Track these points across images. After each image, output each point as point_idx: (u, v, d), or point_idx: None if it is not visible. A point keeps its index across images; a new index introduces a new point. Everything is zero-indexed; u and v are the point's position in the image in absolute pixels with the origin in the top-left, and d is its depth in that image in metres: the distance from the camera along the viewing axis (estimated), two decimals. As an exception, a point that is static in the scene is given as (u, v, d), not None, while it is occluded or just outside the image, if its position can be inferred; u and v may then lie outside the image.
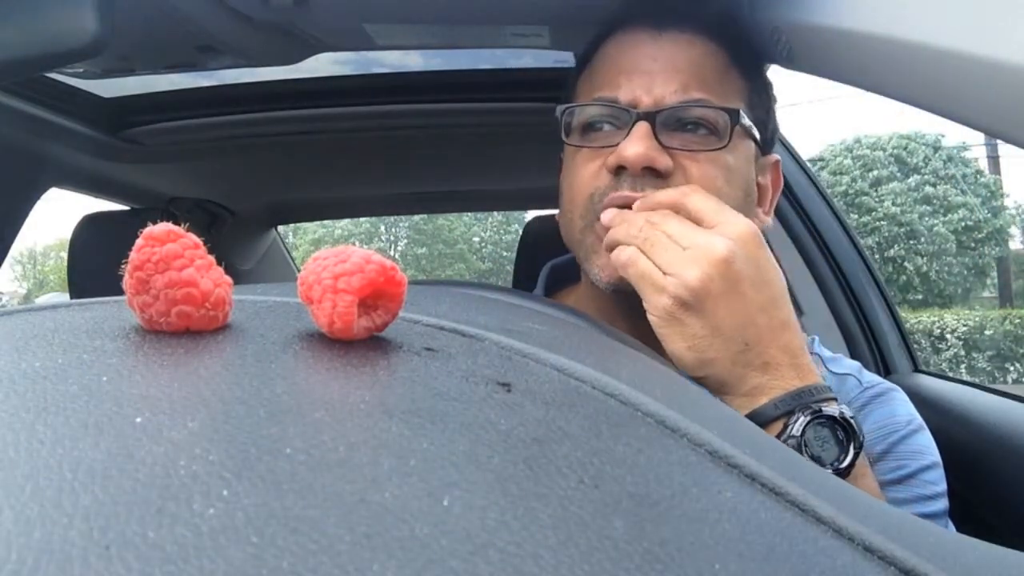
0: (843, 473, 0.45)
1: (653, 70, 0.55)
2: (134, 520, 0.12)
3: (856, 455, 0.45)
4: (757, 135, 0.57)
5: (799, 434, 0.44)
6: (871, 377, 0.60)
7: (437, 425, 0.17)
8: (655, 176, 0.53)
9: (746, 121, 0.55)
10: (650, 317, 0.48)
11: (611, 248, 0.51)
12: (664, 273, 0.47)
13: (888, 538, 0.17)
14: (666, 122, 0.54)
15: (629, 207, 0.53)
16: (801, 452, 0.44)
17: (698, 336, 0.46)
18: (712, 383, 0.47)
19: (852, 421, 0.45)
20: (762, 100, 0.59)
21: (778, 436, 0.45)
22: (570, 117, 0.58)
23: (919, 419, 0.57)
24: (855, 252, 1.07)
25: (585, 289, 0.64)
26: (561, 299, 0.67)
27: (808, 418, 0.44)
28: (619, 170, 0.54)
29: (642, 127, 0.53)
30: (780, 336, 0.46)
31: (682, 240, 0.47)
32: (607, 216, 0.52)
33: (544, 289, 0.72)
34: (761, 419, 0.45)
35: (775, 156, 0.61)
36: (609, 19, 0.61)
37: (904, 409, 0.57)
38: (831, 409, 0.45)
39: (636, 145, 0.52)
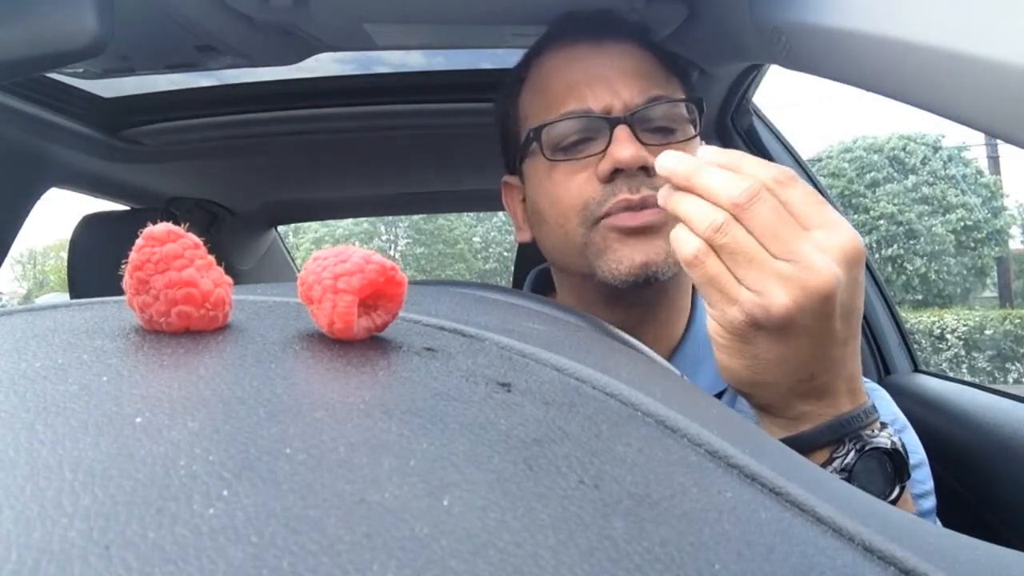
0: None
1: (611, 77, 0.57)
2: (134, 520, 0.12)
3: (903, 488, 0.42)
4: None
5: (850, 467, 0.41)
6: None
7: (437, 425, 0.17)
8: (646, 175, 0.55)
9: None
10: (709, 323, 0.42)
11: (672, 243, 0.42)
12: (742, 283, 0.39)
13: (888, 538, 0.17)
14: (639, 122, 0.56)
15: (640, 207, 0.54)
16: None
17: (761, 359, 0.40)
18: (757, 402, 0.43)
19: (903, 452, 0.42)
20: (690, 93, 0.62)
21: (823, 465, 0.41)
22: (540, 136, 0.58)
23: (903, 418, 0.56)
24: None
25: (565, 297, 0.65)
26: None
27: (858, 452, 0.41)
28: (612, 175, 0.55)
29: (624, 131, 0.55)
30: (847, 364, 0.41)
31: (774, 245, 0.38)
32: (665, 160, 0.42)
33: None
34: (807, 446, 0.42)
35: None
36: (541, 37, 0.63)
37: (887, 408, 0.57)
38: (882, 440, 0.41)
39: (627, 147, 0.54)
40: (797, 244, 0.38)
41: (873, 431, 0.42)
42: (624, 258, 0.54)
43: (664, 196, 0.43)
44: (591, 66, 0.58)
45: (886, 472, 0.42)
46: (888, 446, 0.41)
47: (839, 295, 0.38)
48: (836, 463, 0.41)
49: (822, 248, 0.38)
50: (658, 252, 0.54)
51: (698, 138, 0.59)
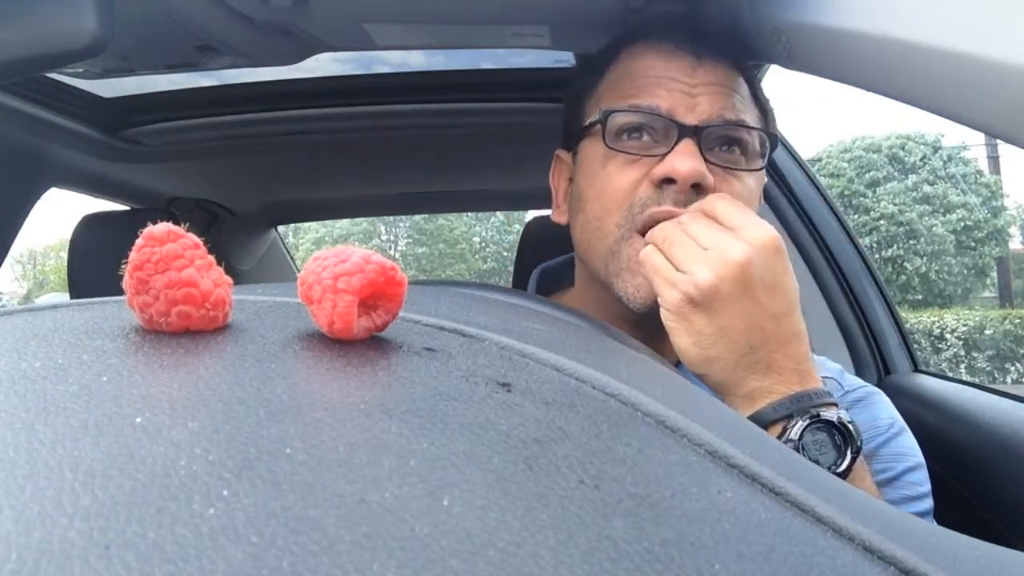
0: (840, 477, 0.45)
1: (697, 86, 0.55)
2: (134, 520, 0.12)
3: (853, 459, 0.45)
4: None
5: (797, 438, 0.45)
6: (852, 380, 0.61)
7: (437, 425, 0.17)
8: (698, 192, 0.53)
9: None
10: (661, 311, 0.49)
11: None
12: (678, 269, 0.47)
13: (888, 538, 0.17)
14: (709, 139, 0.54)
15: None
16: None
17: (703, 334, 0.47)
18: (712, 381, 0.48)
19: (850, 426, 0.46)
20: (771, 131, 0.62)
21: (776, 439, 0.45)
22: (607, 120, 0.56)
23: (901, 421, 0.57)
24: (855, 252, 1.07)
25: (579, 294, 0.64)
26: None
27: (806, 423, 0.45)
28: (663, 183, 0.53)
29: (690, 144, 0.53)
30: (787, 344, 0.47)
31: (703, 240, 0.48)
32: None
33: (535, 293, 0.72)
34: (760, 422, 0.46)
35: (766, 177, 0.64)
36: (636, 25, 0.61)
37: (886, 412, 0.57)
38: (829, 414, 0.45)
39: (689, 161, 0.52)
40: (720, 237, 0.47)
41: (825, 410, 0.46)
42: (642, 287, 0.54)
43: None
44: (683, 71, 0.56)
45: (835, 443, 0.46)
46: (835, 420, 0.45)
47: (755, 268, 0.46)
48: (786, 435, 0.45)
49: (740, 237, 0.47)
50: None
51: (763, 171, 0.59)
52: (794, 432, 0.45)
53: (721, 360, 0.47)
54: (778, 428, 0.46)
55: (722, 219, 0.48)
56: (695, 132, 0.53)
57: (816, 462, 0.44)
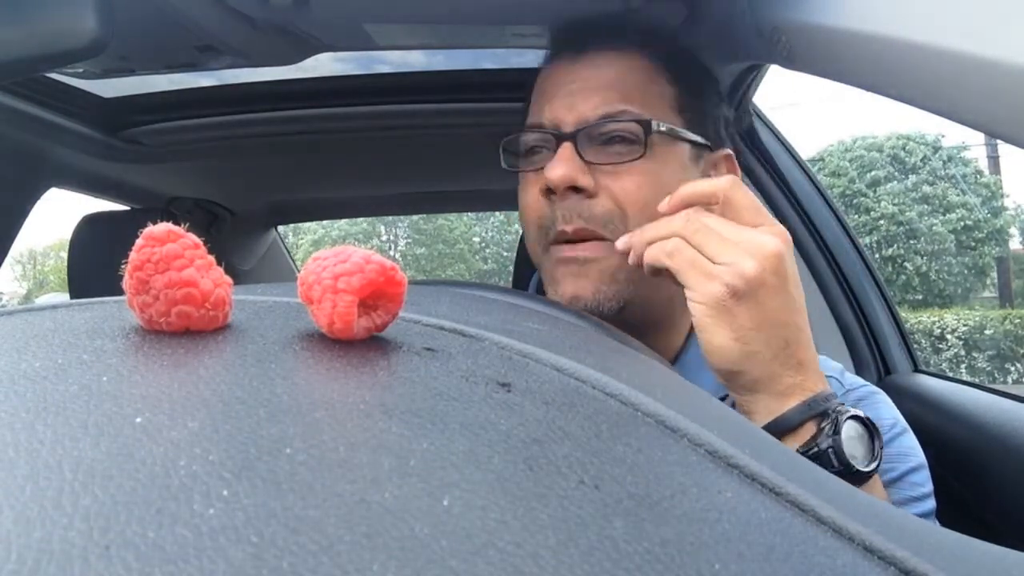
0: (870, 474, 0.45)
1: (573, 91, 0.56)
2: (134, 520, 0.12)
3: (879, 456, 0.45)
4: (693, 137, 0.57)
5: (838, 434, 0.44)
6: (853, 379, 0.61)
7: (437, 425, 0.17)
8: (581, 196, 0.54)
9: (664, 127, 0.55)
10: (692, 305, 0.46)
11: (648, 255, 0.49)
12: (714, 262, 0.46)
13: (888, 538, 0.17)
14: (588, 140, 0.54)
15: (589, 239, 0.54)
16: (839, 453, 0.44)
17: (745, 328, 0.45)
18: (747, 379, 0.46)
19: (872, 422, 0.46)
20: (698, 102, 0.59)
21: (813, 438, 0.45)
22: (513, 146, 0.59)
23: (903, 421, 0.57)
24: (855, 252, 1.07)
25: None
26: None
27: (845, 419, 0.44)
28: (549, 192, 0.55)
29: (566, 148, 0.54)
30: (809, 341, 0.47)
31: (729, 235, 0.46)
32: (622, 243, 0.51)
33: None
34: (793, 421, 0.45)
35: (726, 150, 0.61)
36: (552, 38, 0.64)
37: (888, 412, 0.57)
38: (857, 411, 0.45)
39: (558, 167, 0.53)
40: (750, 232, 0.46)
41: (844, 408, 0.46)
42: (559, 289, 0.55)
43: (624, 242, 0.51)
44: (561, 80, 0.57)
45: (865, 440, 0.46)
46: (863, 417, 0.46)
47: (787, 260, 0.46)
48: (826, 430, 0.45)
49: (765, 231, 0.46)
50: (585, 287, 0.55)
51: (689, 148, 0.57)
52: (837, 425, 0.44)
53: (760, 355, 0.45)
54: (810, 427, 0.45)
55: (737, 212, 0.47)
56: (572, 136, 0.54)
57: (854, 457, 0.44)
